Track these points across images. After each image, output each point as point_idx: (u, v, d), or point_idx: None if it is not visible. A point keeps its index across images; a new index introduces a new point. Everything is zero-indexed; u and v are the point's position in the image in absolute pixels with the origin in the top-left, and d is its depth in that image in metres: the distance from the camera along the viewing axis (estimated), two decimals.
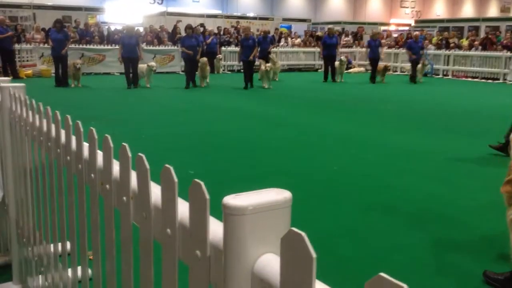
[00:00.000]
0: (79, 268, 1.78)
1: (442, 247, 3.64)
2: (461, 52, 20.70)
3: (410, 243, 3.71)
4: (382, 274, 0.60)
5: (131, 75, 14.32)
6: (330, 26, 21.18)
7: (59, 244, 2.01)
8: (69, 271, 1.85)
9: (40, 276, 2.34)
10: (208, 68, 15.37)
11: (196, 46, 14.84)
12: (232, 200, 0.84)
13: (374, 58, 17.49)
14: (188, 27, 15.46)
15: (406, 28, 30.55)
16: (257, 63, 15.95)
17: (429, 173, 5.85)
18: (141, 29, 22.10)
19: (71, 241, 1.82)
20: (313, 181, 5.41)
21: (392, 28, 32.24)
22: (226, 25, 25.49)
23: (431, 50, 20.80)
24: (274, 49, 20.80)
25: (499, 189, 2.77)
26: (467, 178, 5.71)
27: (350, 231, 3.99)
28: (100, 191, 1.51)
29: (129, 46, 14.07)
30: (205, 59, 15.12)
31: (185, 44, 14.89)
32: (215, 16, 28.78)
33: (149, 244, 1.19)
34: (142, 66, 14.73)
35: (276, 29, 24.99)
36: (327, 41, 17.51)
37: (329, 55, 17.47)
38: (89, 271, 1.69)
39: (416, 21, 31.63)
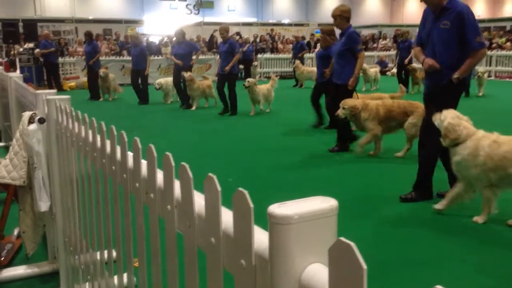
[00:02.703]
0: (125, 276, 1.81)
1: None
2: (504, 53, 20.04)
3: None
4: (341, 238, 0.58)
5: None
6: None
7: (105, 252, 2.05)
8: (115, 278, 1.89)
9: (87, 283, 2.39)
10: (202, 87, 11.75)
11: (187, 55, 11.77)
12: (278, 209, 0.83)
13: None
14: (179, 33, 12.15)
15: None
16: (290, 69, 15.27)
17: None
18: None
19: (117, 248, 1.86)
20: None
21: None
22: (261, 32, 25.62)
23: None
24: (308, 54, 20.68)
25: None
26: None
27: None
28: (145, 200, 1.53)
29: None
30: (189, 75, 11.41)
31: (173, 52, 12.01)
32: (250, 24, 29.02)
33: (193, 252, 1.20)
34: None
35: (312, 34, 24.90)
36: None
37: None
38: (134, 278, 1.72)
39: None
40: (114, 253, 1.92)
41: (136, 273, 1.65)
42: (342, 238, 0.71)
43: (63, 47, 19.58)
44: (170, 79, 12.69)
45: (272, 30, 26.25)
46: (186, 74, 11.37)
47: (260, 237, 0.95)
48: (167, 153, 1.33)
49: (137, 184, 1.58)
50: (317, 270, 0.82)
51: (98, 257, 2.13)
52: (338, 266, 0.72)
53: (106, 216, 1.97)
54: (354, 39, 6.62)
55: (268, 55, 21.69)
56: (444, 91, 4.28)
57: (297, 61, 17.47)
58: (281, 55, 21.92)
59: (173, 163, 1.30)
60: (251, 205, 0.93)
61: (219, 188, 1.06)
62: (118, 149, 1.76)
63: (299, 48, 19.15)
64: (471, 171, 3.71)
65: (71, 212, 2.52)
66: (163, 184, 1.35)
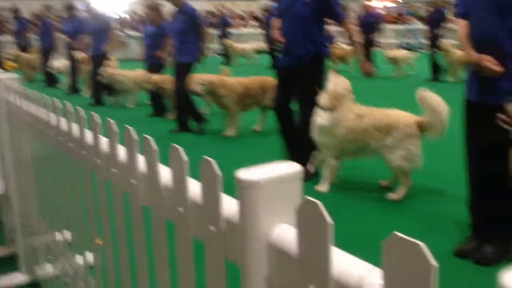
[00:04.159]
0: (88, 254, 1.81)
1: None
2: None
3: None
4: (396, 232, 0.63)
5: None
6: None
7: (66, 232, 2.03)
8: (79, 257, 1.88)
9: (48, 264, 2.36)
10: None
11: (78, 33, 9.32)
12: (245, 174, 0.87)
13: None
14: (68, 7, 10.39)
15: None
16: None
17: None
18: (128, 16, 21.81)
19: (79, 227, 1.85)
20: None
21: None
22: (209, 7, 25.20)
23: None
24: None
25: None
26: None
27: None
28: (107, 176, 1.52)
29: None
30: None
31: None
32: None
33: (161, 225, 1.22)
34: None
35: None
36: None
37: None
38: (100, 257, 1.72)
39: None
40: (75, 234, 1.90)
41: (101, 251, 1.65)
42: (308, 197, 0.75)
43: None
44: None
45: (222, 6, 25.82)
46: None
47: (228, 203, 0.98)
48: (128, 126, 1.33)
49: (98, 160, 1.57)
50: (285, 229, 0.86)
51: (59, 237, 2.10)
52: (305, 223, 0.76)
53: (65, 195, 1.95)
54: (195, 15, 6.32)
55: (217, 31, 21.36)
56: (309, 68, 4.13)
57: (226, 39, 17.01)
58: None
59: (135, 137, 1.30)
60: (219, 173, 0.96)
61: (185, 158, 1.07)
62: (75, 127, 1.74)
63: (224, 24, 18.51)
64: (327, 138, 3.79)
65: (28, 193, 2.47)
66: (127, 158, 1.35)
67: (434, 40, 10.43)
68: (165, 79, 7.25)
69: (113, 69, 8.51)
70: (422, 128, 3.64)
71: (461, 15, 2.54)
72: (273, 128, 5.11)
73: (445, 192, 3.93)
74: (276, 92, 4.40)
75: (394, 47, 16.57)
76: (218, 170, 0.96)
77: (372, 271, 0.69)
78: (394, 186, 3.88)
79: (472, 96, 2.54)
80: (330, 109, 3.80)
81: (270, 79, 6.12)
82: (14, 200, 2.72)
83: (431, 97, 3.55)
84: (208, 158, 0.98)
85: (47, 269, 2.40)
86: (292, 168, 0.90)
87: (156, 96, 7.63)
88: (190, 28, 6.25)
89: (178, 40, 6.35)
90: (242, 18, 25.02)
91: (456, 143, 3.25)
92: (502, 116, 2.20)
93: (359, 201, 3.80)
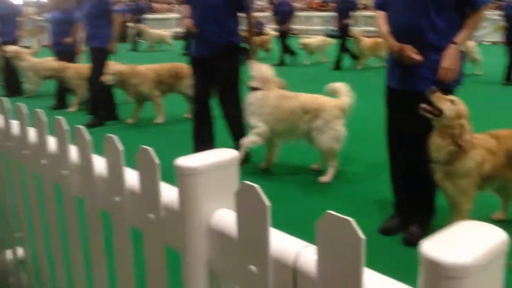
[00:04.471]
0: (19, 249, 1.74)
1: None
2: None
3: None
4: (329, 211, 0.68)
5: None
6: None
7: None
8: (9, 252, 1.81)
9: None
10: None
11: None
12: (184, 161, 0.88)
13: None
14: None
15: None
16: None
17: None
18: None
19: (4, 222, 1.78)
20: None
21: None
22: None
23: None
24: None
25: None
26: None
27: None
28: (36, 168, 1.48)
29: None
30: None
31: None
32: None
33: (96, 214, 1.21)
34: None
35: None
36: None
37: None
38: (30, 250, 1.67)
39: None
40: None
41: (33, 245, 1.60)
42: (247, 182, 0.78)
43: None
44: None
45: None
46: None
47: (167, 191, 1.00)
48: (59, 117, 1.30)
49: (25, 152, 1.51)
50: (225, 213, 0.89)
51: None
52: (244, 206, 0.79)
53: None
54: None
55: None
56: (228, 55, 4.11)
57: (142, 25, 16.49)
58: None
59: (66, 127, 1.27)
60: (157, 161, 0.97)
61: (121, 147, 1.07)
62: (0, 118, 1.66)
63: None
64: (254, 117, 3.90)
65: None
66: (57, 149, 1.32)
67: (343, 29, 10.65)
68: (67, 66, 6.71)
69: (17, 56, 7.84)
70: (344, 111, 3.92)
71: (380, 6, 2.70)
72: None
73: (368, 175, 4.15)
74: (194, 82, 4.37)
75: (319, 34, 16.96)
76: (156, 158, 0.97)
77: (308, 247, 0.74)
78: (324, 169, 4.04)
79: (393, 83, 2.69)
80: (259, 90, 3.92)
81: (183, 66, 6.01)
82: None
83: (339, 85, 3.87)
84: (146, 147, 0.98)
85: None
86: (229, 154, 0.93)
87: (62, 87, 7.04)
88: (100, 12, 5.88)
89: (88, 25, 5.94)
90: (169, 2, 24.54)
91: (376, 128, 3.45)
92: (424, 106, 2.36)
93: (292, 185, 3.92)
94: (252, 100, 3.92)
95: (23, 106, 1.46)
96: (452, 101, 2.38)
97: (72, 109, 6.91)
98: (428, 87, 2.44)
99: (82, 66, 6.69)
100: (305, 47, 11.95)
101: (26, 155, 1.51)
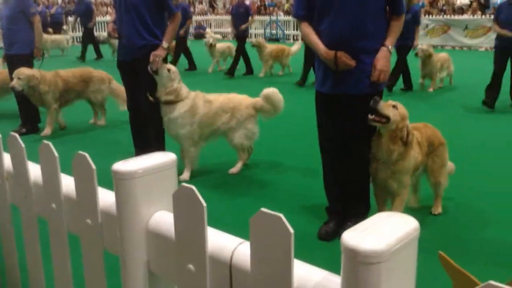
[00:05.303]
0: None
1: None
2: None
3: None
4: (263, 209, 0.72)
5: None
6: None
7: None
8: None
9: None
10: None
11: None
12: (122, 165, 0.90)
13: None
14: None
15: None
16: None
17: None
18: None
19: None
20: None
21: None
22: None
23: (280, 16, 21.71)
24: None
25: None
26: None
27: None
28: None
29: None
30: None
31: None
32: None
33: (32, 221, 1.19)
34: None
35: None
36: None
37: None
38: None
39: None
40: None
41: None
42: (184, 184, 0.82)
43: None
44: None
45: None
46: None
47: (104, 196, 1.00)
48: None
49: None
50: (163, 216, 0.91)
51: None
52: (182, 207, 0.82)
53: None
54: (26, 0, 5.51)
55: None
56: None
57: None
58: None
59: None
60: (93, 167, 0.98)
61: (56, 154, 1.07)
62: None
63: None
64: (185, 129, 3.93)
65: None
66: None
67: (240, 36, 10.10)
68: None
69: None
70: (256, 109, 4.10)
71: (303, 17, 2.84)
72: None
73: (280, 163, 4.35)
74: (124, 88, 4.29)
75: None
76: (92, 164, 0.98)
77: (243, 244, 0.78)
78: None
79: (325, 88, 2.80)
80: (174, 102, 3.89)
81: (91, 70, 5.79)
82: None
83: (273, 91, 4.06)
84: (82, 153, 0.99)
85: None
86: (167, 157, 0.96)
87: None
88: (18, 14, 5.39)
89: (8, 29, 5.48)
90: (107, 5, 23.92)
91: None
92: (372, 117, 2.51)
93: (212, 185, 4.01)
94: (177, 113, 3.88)
95: None
96: (394, 106, 2.53)
97: None
98: (362, 90, 2.57)
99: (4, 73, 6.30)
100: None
101: None
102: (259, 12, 22.92)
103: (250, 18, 10.58)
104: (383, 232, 0.62)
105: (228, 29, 20.47)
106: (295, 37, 22.35)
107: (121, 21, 4.07)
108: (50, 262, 1.14)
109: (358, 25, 2.65)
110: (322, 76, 2.82)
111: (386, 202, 2.78)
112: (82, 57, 12.01)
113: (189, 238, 0.82)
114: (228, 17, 16.89)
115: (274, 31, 21.05)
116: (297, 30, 21.57)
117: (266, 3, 24.30)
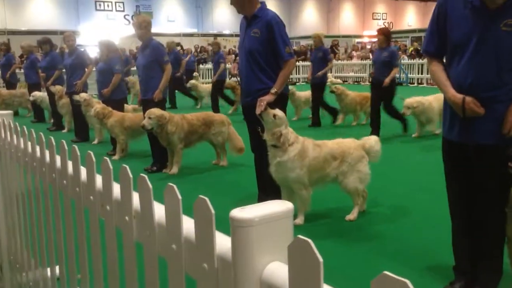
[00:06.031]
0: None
1: None
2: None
3: None
4: (386, 272, 0.67)
5: None
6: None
7: (57, 268, 2.03)
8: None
9: None
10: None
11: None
12: (239, 213, 0.90)
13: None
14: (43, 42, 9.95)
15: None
16: None
17: None
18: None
19: (65, 262, 1.85)
20: None
21: (365, 40, 32.69)
22: (202, 43, 25.65)
23: (405, 60, 21.24)
24: None
25: None
26: None
27: None
28: (100, 212, 1.54)
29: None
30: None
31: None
32: (191, 35, 29.02)
33: (154, 260, 1.24)
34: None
35: None
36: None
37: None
38: None
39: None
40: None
41: (92, 286, 1.65)
42: (300, 236, 0.79)
43: None
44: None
45: (215, 38, 26.25)
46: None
47: (221, 241, 1.01)
48: (124, 165, 1.36)
49: (91, 197, 1.59)
50: (277, 267, 0.89)
51: (49, 273, 2.09)
52: (297, 261, 0.79)
53: (57, 231, 1.95)
54: (160, 50, 6.03)
55: (210, 65, 21.74)
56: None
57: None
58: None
59: (130, 175, 1.34)
60: (213, 211, 0.99)
61: (179, 196, 1.11)
62: (70, 164, 1.76)
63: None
64: (295, 172, 3.88)
65: (16, 229, 2.46)
66: (120, 195, 1.38)
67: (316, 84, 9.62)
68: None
69: (87, 104, 7.90)
70: (365, 150, 4.15)
71: (433, 55, 2.65)
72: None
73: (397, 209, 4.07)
74: (248, 128, 4.43)
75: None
76: (212, 208, 0.99)
77: None
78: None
79: (452, 136, 2.61)
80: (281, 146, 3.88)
81: (212, 114, 6.46)
82: (2, 235, 2.70)
83: (374, 138, 4.24)
84: (203, 197, 1.01)
85: None
86: (283, 206, 0.94)
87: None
88: (152, 64, 5.98)
89: (142, 77, 6.09)
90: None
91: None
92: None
93: (328, 231, 3.90)
94: (287, 157, 3.87)
95: (91, 154, 1.55)
96: None
97: (116, 156, 6.98)
98: (492, 140, 2.37)
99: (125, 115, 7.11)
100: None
101: (92, 201, 1.59)
102: None
103: (328, 63, 9.87)
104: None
105: (349, 74, 20.51)
106: (419, 81, 21.55)
107: (242, 65, 4.31)
108: None
109: (495, 74, 2.45)
110: (449, 122, 2.64)
111: None
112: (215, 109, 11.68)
113: None
114: (349, 62, 17.12)
115: (397, 75, 20.46)
116: (421, 73, 20.83)
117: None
